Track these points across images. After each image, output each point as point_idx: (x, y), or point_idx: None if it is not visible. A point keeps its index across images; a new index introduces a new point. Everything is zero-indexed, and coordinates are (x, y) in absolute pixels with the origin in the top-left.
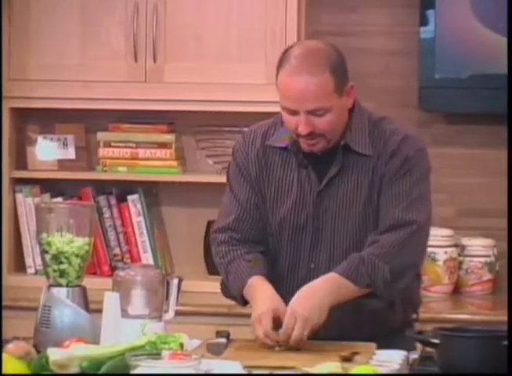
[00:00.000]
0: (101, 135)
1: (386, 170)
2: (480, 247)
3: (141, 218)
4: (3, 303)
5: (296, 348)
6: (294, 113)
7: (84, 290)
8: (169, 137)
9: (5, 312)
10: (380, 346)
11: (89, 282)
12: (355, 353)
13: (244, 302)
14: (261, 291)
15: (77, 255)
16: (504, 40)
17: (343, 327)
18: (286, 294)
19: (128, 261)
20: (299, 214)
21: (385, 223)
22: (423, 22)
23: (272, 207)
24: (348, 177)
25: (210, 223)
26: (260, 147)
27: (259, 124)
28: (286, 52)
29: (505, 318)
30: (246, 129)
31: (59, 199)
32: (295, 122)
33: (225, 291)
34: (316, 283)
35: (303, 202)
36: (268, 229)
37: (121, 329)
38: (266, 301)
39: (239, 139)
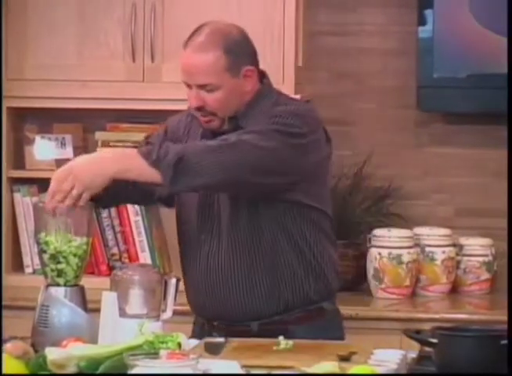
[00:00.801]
0: (99, 135)
1: None
2: (478, 247)
3: (139, 218)
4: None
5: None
6: (189, 87)
7: (82, 289)
8: None
9: (3, 312)
10: (298, 321)
11: (87, 281)
12: (353, 353)
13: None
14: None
15: (74, 255)
16: (502, 39)
17: (256, 300)
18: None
19: (126, 260)
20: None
21: None
22: (422, 21)
23: None
24: None
25: None
26: (190, 117)
27: None
28: (193, 30)
29: (503, 317)
30: None
31: None
32: (188, 96)
33: None
34: (106, 152)
35: None
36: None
37: (119, 328)
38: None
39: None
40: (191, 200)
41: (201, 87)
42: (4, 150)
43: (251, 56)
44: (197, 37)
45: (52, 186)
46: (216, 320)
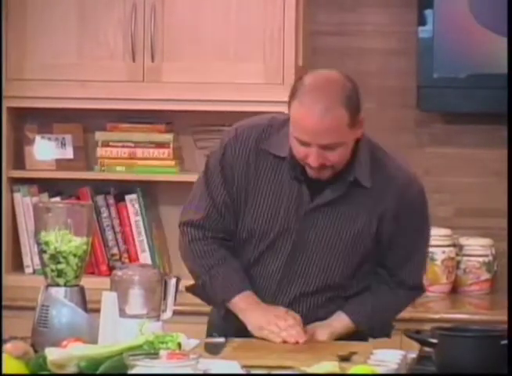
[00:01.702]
0: (99, 135)
1: (391, 213)
2: (478, 247)
3: (139, 218)
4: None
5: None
6: (306, 144)
7: (82, 289)
8: (167, 137)
9: (3, 312)
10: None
11: (87, 282)
12: (353, 353)
13: (221, 309)
14: (257, 303)
15: (75, 255)
16: (502, 39)
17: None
18: None
19: (126, 260)
20: (279, 227)
21: (400, 276)
22: (422, 21)
23: (250, 212)
24: (342, 205)
25: None
26: (252, 149)
27: (252, 123)
28: (301, 80)
29: (503, 317)
30: (238, 125)
31: (57, 198)
32: (305, 152)
33: (201, 291)
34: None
35: (286, 216)
36: (240, 233)
37: (119, 329)
38: (271, 307)
39: (232, 134)
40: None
41: (325, 147)
42: (4, 150)
43: (360, 103)
44: (314, 93)
45: None
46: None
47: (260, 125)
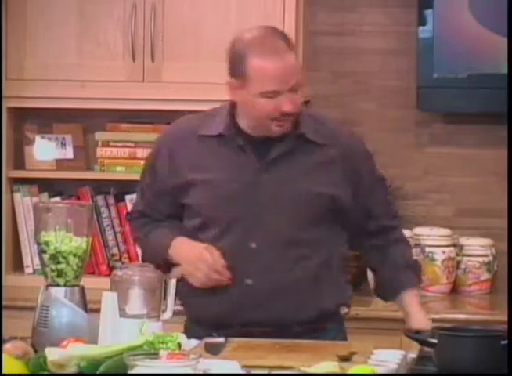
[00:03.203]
0: (99, 135)
1: (347, 165)
2: (478, 247)
3: None
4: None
5: None
6: (275, 94)
7: (82, 289)
8: None
9: (3, 312)
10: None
11: (87, 282)
12: (353, 353)
13: (168, 269)
14: (187, 242)
15: (75, 255)
16: (502, 39)
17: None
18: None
19: (126, 260)
20: (236, 198)
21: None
22: (422, 21)
23: (204, 192)
24: (291, 161)
25: None
26: (192, 137)
27: (189, 116)
28: (236, 44)
29: (503, 318)
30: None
31: (57, 198)
32: (274, 105)
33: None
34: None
35: (240, 186)
36: (193, 220)
37: (119, 329)
38: (197, 244)
39: (167, 130)
40: (231, 213)
41: (291, 89)
42: (4, 150)
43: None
44: (265, 43)
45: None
46: (247, 326)
47: (197, 116)
